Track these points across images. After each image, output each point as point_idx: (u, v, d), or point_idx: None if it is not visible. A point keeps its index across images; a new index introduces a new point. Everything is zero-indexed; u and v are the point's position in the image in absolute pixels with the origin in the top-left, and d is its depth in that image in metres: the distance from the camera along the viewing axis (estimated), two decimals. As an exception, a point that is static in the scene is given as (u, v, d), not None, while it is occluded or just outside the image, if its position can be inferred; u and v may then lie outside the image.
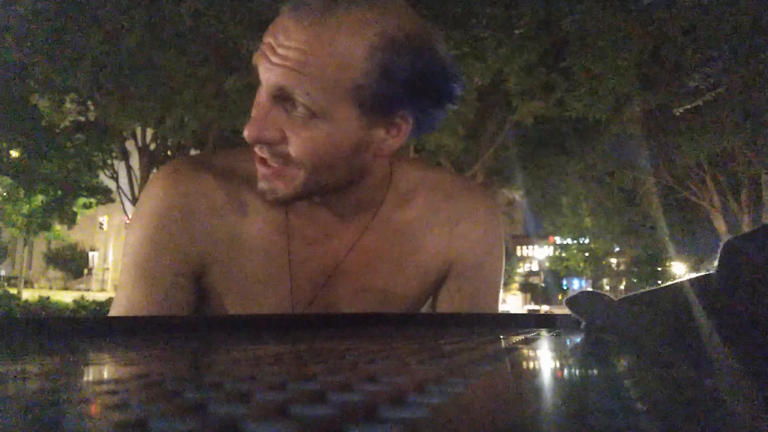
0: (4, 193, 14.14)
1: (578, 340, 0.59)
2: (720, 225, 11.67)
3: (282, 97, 0.73)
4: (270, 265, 0.85)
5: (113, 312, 0.84)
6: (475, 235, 0.92)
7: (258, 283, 0.86)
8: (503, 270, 0.97)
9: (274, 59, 0.72)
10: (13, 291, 15.67)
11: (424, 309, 0.96)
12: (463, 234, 0.92)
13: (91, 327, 0.61)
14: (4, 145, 11.24)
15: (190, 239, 0.85)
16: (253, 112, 0.75)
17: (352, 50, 0.71)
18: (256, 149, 0.77)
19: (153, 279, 0.83)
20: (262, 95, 0.74)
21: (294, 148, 0.74)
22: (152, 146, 11.51)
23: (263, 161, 0.77)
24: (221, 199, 0.86)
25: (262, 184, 0.79)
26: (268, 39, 0.73)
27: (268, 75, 0.72)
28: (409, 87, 0.75)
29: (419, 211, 0.91)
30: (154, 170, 10.69)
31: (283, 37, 0.71)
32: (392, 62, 0.72)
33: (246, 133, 0.75)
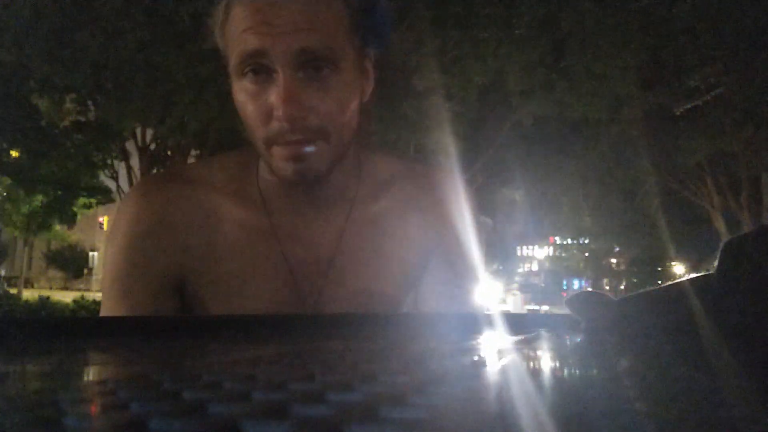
0: (4, 193, 14.12)
1: (578, 340, 0.59)
2: (720, 225, 11.66)
3: (302, 64, 0.72)
4: (268, 268, 0.85)
5: None
6: (452, 222, 0.91)
7: (260, 288, 0.85)
8: (482, 257, 0.97)
9: (282, 28, 0.70)
10: (13, 291, 15.65)
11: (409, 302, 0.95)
12: (439, 222, 0.91)
13: (91, 327, 0.61)
14: (4, 145, 11.22)
15: (167, 252, 0.84)
16: (279, 94, 0.72)
17: None
18: (286, 132, 0.74)
19: (132, 295, 0.83)
20: (280, 75, 0.72)
21: (323, 115, 0.74)
22: (152, 146, 11.51)
23: (292, 143, 0.75)
24: (197, 209, 0.85)
25: (289, 169, 0.76)
26: (254, 18, 0.71)
27: (284, 45, 0.71)
28: (368, 20, 0.77)
29: (394, 202, 0.91)
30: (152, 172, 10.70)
31: (273, 9, 0.71)
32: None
33: (282, 114, 0.71)
